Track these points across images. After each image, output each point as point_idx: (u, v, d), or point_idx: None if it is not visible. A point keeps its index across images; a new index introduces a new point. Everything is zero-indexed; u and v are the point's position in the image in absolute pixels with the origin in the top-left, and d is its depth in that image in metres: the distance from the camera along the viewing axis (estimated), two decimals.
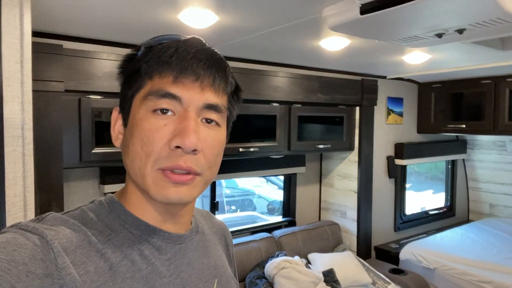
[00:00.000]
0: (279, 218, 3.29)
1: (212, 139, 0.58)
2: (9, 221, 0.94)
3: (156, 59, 0.56)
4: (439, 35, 1.44)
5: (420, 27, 1.38)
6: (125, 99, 0.60)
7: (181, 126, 0.54)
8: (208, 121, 0.58)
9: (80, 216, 0.57)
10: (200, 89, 0.56)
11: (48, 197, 1.79)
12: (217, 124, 0.59)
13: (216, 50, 0.59)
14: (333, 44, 1.93)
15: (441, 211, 4.00)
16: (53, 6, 1.44)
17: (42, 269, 0.47)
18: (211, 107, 0.57)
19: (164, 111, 0.55)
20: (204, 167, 0.57)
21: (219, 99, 0.58)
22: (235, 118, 0.67)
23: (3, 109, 0.93)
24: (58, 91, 1.79)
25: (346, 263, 2.77)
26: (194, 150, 0.54)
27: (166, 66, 0.55)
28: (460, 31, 1.38)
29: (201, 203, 5.08)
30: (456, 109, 3.41)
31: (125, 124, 0.60)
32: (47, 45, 1.77)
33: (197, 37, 0.59)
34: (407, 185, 4.02)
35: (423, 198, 4.27)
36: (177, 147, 0.54)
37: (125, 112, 0.60)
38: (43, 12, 1.49)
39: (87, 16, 1.58)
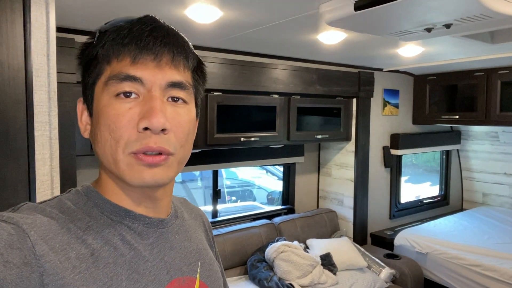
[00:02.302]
0: (277, 207, 3.41)
1: (180, 117, 0.57)
2: (39, 198, 1.05)
3: (111, 42, 0.55)
4: (428, 30, 1.54)
5: (410, 22, 1.48)
6: (87, 88, 0.58)
7: (147, 107, 0.53)
8: (175, 99, 0.56)
9: (58, 205, 0.55)
10: (160, 67, 0.54)
11: (63, 182, 1.90)
12: (184, 101, 0.58)
13: (172, 27, 0.57)
14: (330, 38, 2.03)
15: (435, 200, 4.13)
16: (69, 2, 1.54)
17: (19, 258, 0.46)
18: (174, 85, 0.56)
19: (127, 94, 0.54)
20: (176, 146, 0.56)
21: (182, 76, 0.57)
22: (202, 94, 0.65)
23: (34, 97, 1.04)
24: (70, 82, 1.90)
25: (342, 248, 2.90)
26: (163, 130, 0.54)
27: (122, 48, 0.54)
28: (448, 26, 1.48)
29: (203, 193, 5.22)
30: (450, 101, 3.53)
31: (90, 113, 0.59)
32: (61, 39, 1.87)
33: (150, 15, 0.57)
34: (405, 178, 4.15)
35: (419, 189, 4.39)
36: (145, 128, 0.53)
37: (89, 101, 0.59)
38: (59, 7, 1.59)
39: (98, 11, 1.68)
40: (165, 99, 0.55)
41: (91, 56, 0.57)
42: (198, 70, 0.62)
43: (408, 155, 4.13)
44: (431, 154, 4.30)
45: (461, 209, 4.22)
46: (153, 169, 0.54)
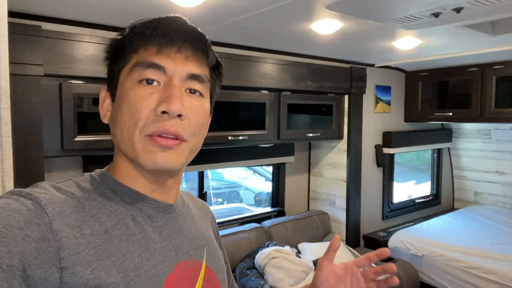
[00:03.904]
0: (267, 209, 3.25)
1: (196, 108, 0.61)
2: None
3: (140, 34, 0.59)
4: (436, 15, 1.40)
5: (416, 5, 1.34)
6: (112, 75, 0.62)
7: (167, 94, 0.57)
8: (192, 91, 0.61)
9: (74, 185, 0.58)
10: (183, 59, 0.59)
11: (28, 186, 1.69)
12: (201, 94, 0.62)
13: (196, 27, 0.62)
14: (325, 27, 1.88)
15: (427, 199, 4.04)
16: None
17: (38, 232, 0.48)
18: (194, 77, 0.60)
19: (149, 81, 0.58)
20: (189, 133, 0.60)
21: (201, 70, 0.61)
22: (218, 93, 0.70)
23: None
24: (37, 75, 1.69)
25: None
26: (180, 116, 0.57)
27: (149, 39, 0.58)
28: (458, 10, 1.34)
29: None
30: (443, 98, 3.43)
31: (113, 99, 0.62)
32: (25, 26, 1.66)
33: (179, 15, 0.62)
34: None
35: (408, 188, 4.31)
36: (163, 112, 0.56)
37: (113, 87, 0.62)
38: None
39: None
40: (183, 89, 0.60)
41: (119, 47, 0.61)
42: (216, 69, 0.66)
43: (398, 154, 4.03)
44: (415, 153, 4.20)
45: (452, 209, 4.14)
46: (166, 152, 0.57)
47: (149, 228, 0.60)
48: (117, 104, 0.60)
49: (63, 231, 0.51)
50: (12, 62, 1.23)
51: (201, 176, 2.85)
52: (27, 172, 1.65)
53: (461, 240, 2.99)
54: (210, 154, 2.67)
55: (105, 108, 0.64)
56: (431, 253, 2.86)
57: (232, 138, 2.42)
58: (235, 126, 2.47)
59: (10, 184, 0.92)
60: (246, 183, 5.87)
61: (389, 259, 2.90)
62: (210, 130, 2.43)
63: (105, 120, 0.65)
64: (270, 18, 1.77)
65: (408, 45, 2.40)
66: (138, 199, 0.61)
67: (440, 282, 2.79)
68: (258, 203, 4.87)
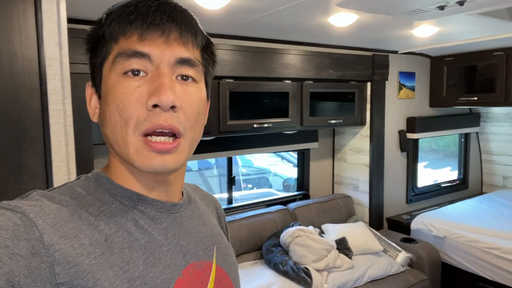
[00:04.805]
0: (292, 193, 3.43)
1: (190, 96, 0.55)
2: (56, 183, 1.09)
3: (118, 19, 0.53)
4: (441, 8, 1.51)
5: (422, 0, 1.45)
6: (95, 70, 0.57)
7: (156, 84, 0.52)
8: (184, 77, 0.55)
9: (68, 191, 0.55)
10: (168, 43, 0.53)
11: (80, 171, 1.96)
12: (194, 80, 0.56)
13: (178, 3, 0.56)
14: (341, 20, 2.00)
15: (453, 183, 4.07)
16: None
17: (26, 249, 0.45)
18: (183, 61, 0.54)
19: (135, 72, 0.53)
20: (185, 126, 0.55)
21: (191, 53, 0.56)
22: (213, 76, 0.64)
23: (47, 86, 1.07)
24: (85, 73, 1.94)
25: (358, 233, 2.90)
26: (173, 107, 0.52)
27: (129, 25, 0.53)
28: (461, 3, 1.44)
29: (219, 181, 5.27)
30: (468, 82, 3.44)
31: (99, 95, 0.57)
32: (73, 30, 1.90)
33: None
34: (424, 163, 4.10)
35: (437, 173, 4.34)
36: (155, 106, 0.52)
37: (97, 83, 0.57)
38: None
39: (109, 2, 1.69)
40: (174, 77, 0.54)
41: (98, 37, 0.56)
42: (208, 49, 0.61)
43: (427, 140, 4.08)
44: (451, 139, 4.22)
45: (481, 193, 4.14)
46: (164, 155, 0.53)
47: (153, 231, 0.56)
48: (104, 101, 0.55)
49: (58, 244, 0.47)
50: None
51: (230, 162, 3.06)
52: (80, 157, 1.91)
53: (483, 222, 3.04)
54: (238, 141, 2.87)
55: (93, 106, 0.59)
56: (452, 234, 2.95)
57: (257, 125, 2.60)
58: (260, 115, 2.65)
59: (73, 165, 1.15)
60: (275, 170, 6.05)
61: (411, 240, 3.01)
62: (236, 118, 2.65)
63: (95, 119, 0.60)
64: (288, 14, 1.92)
65: (427, 33, 2.47)
66: (138, 200, 0.57)
67: (461, 263, 2.88)
68: (286, 188, 5.05)
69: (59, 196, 0.53)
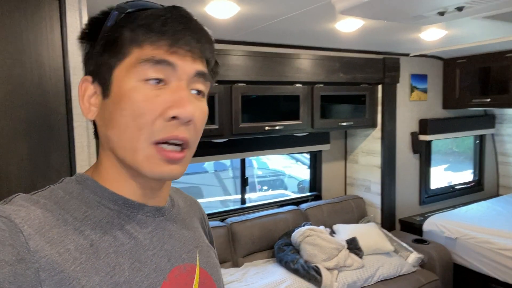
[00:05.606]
0: (304, 194, 3.49)
1: (201, 111, 0.57)
2: None
3: (146, 27, 0.53)
4: (441, 13, 1.57)
5: (421, 7, 1.51)
6: (103, 68, 0.56)
7: (176, 97, 0.53)
8: (198, 92, 0.57)
9: (51, 195, 0.54)
10: (193, 59, 0.55)
11: None
12: (203, 95, 0.59)
13: (202, 24, 0.59)
14: (348, 25, 2.08)
15: (468, 185, 4.05)
16: (99, 6, 1.70)
17: (12, 255, 0.44)
18: (200, 75, 0.56)
19: (157, 81, 0.53)
20: (194, 139, 0.57)
21: (207, 69, 0.59)
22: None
23: (71, 92, 1.19)
24: None
25: (369, 233, 2.95)
26: (189, 121, 0.54)
27: (159, 35, 0.53)
28: (460, 9, 1.50)
29: (234, 183, 5.38)
30: (481, 84, 3.44)
31: (105, 94, 0.56)
32: None
33: (178, 6, 0.57)
34: (445, 166, 4.09)
35: (452, 175, 4.32)
36: (173, 117, 0.53)
37: (104, 81, 0.56)
38: (91, 11, 1.75)
39: None
40: (189, 90, 0.56)
41: (115, 36, 0.55)
42: (215, 67, 0.63)
43: (447, 142, 4.07)
44: (469, 142, 4.18)
45: (497, 195, 4.11)
46: (172, 165, 0.54)
47: (139, 235, 0.57)
48: (114, 104, 0.54)
49: (44, 250, 0.47)
50: None
51: (243, 163, 3.16)
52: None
53: (496, 223, 3.04)
54: (251, 143, 2.97)
55: (87, 102, 0.57)
56: (464, 235, 2.96)
57: (269, 128, 2.69)
58: (272, 117, 2.74)
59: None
60: (290, 172, 6.12)
61: (423, 241, 3.04)
62: (249, 121, 2.77)
63: (90, 117, 0.58)
64: (296, 21, 2.01)
65: (435, 36, 2.51)
66: (125, 205, 0.57)
67: (473, 263, 2.89)
68: (301, 190, 5.11)
69: (43, 200, 0.52)
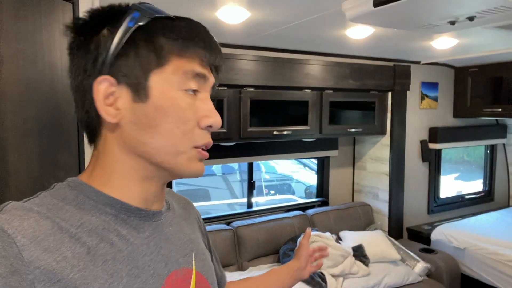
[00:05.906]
0: (311, 199, 3.48)
1: None
2: None
3: (185, 39, 0.56)
4: (452, 23, 1.56)
5: (431, 16, 1.51)
6: (135, 71, 0.54)
7: (208, 107, 0.58)
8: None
9: (43, 202, 0.53)
10: (216, 73, 0.61)
11: None
12: None
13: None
14: (358, 32, 2.08)
15: (478, 195, 3.99)
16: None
17: (5, 267, 0.44)
18: (214, 86, 0.62)
19: (193, 91, 0.57)
20: None
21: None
22: None
23: None
24: None
25: (375, 241, 2.92)
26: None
27: (196, 48, 0.56)
28: (471, 18, 1.49)
29: (242, 186, 5.39)
30: (493, 93, 3.40)
31: (142, 99, 0.54)
32: None
33: (192, 19, 0.59)
34: (455, 175, 4.05)
35: (462, 184, 4.26)
36: (209, 126, 0.58)
37: (137, 85, 0.54)
38: None
39: None
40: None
41: (151, 40, 0.54)
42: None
43: (458, 151, 4.03)
44: (480, 151, 4.12)
45: (508, 206, 4.04)
46: (201, 162, 0.60)
47: (136, 240, 0.56)
48: (156, 109, 0.54)
49: (40, 259, 0.46)
50: None
51: (250, 166, 3.17)
52: None
53: (506, 235, 3.00)
54: (259, 147, 2.97)
55: (116, 105, 0.55)
56: (472, 246, 2.92)
57: (277, 132, 2.69)
58: (280, 122, 2.74)
59: None
60: (297, 177, 6.11)
61: (431, 251, 3.00)
62: (257, 125, 2.79)
63: (115, 120, 0.55)
64: (306, 27, 2.01)
65: (446, 45, 2.50)
66: (122, 209, 0.57)
67: (481, 275, 2.84)
68: (308, 195, 5.10)
69: (36, 208, 0.51)
